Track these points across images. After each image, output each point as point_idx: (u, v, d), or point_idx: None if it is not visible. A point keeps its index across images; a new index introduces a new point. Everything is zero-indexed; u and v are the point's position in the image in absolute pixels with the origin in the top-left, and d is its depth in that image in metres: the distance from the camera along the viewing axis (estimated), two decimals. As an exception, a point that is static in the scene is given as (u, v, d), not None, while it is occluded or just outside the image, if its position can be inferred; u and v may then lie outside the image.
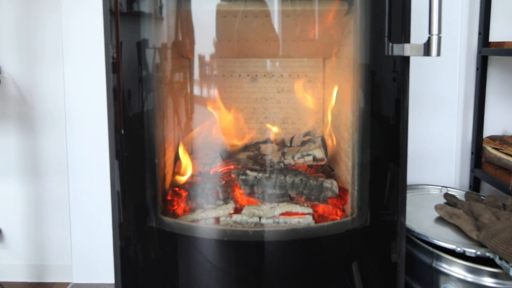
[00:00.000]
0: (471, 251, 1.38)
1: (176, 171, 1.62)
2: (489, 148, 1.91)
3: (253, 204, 1.46)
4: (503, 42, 1.84)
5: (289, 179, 1.48)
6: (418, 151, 2.01)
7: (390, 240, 1.35)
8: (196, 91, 1.75)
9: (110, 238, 1.36)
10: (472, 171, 1.99)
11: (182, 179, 1.59)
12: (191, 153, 1.74)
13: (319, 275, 1.35)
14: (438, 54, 1.08)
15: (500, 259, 1.33)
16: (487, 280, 1.35)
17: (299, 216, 1.41)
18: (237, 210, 1.43)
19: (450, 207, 1.61)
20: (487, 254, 1.36)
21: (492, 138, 1.93)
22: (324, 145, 1.64)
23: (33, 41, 1.98)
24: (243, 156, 1.66)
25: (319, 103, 1.84)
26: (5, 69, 1.98)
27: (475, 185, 1.98)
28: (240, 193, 1.49)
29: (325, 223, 1.40)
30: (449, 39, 1.97)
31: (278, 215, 1.41)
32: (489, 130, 2.00)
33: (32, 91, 2.00)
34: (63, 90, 1.95)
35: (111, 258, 1.37)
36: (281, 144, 1.74)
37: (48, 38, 1.97)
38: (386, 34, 1.26)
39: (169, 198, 1.50)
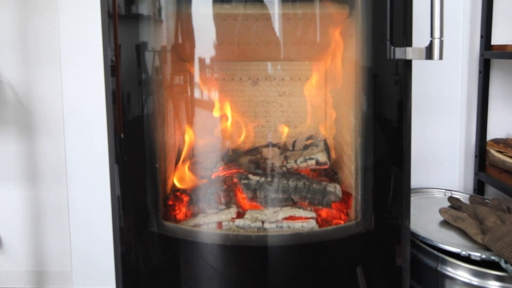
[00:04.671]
0: (476, 254, 1.37)
1: (177, 175, 1.61)
2: (493, 151, 1.90)
3: (255, 209, 1.45)
4: (506, 45, 1.84)
5: (292, 183, 1.47)
6: (421, 155, 2.00)
7: (395, 244, 1.34)
8: (197, 94, 1.74)
9: (111, 244, 1.35)
10: (476, 174, 1.98)
11: (183, 183, 1.59)
12: (192, 157, 1.73)
13: (323, 280, 1.34)
14: (440, 57, 1.07)
15: (505, 262, 1.32)
16: (493, 284, 1.34)
17: (303, 221, 1.40)
18: (240, 215, 1.42)
19: (454, 210, 1.60)
20: (492, 257, 1.35)
21: (496, 141, 1.93)
22: (327, 148, 1.63)
23: (30, 45, 1.97)
24: (245, 160, 1.65)
25: (321, 106, 1.83)
26: (2, 73, 1.97)
27: (479, 188, 1.97)
28: (242, 197, 1.48)
29: (329, 228, 1.39)
30: (452, 43, 1.96)
31: (281, 219, 1.40)
32: (492, 133, 1.99)
33: (29, 95, 2.00)
34: (61, 94, 1.94)
35: (112, 263, 1.36)
36: (283, 148, 1.73)
37: (45, 41, 1.97)
38: (388, 38, 1.25)
39: (170, 202, 1.49)
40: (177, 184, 1.59)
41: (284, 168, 1.59)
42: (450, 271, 1.41)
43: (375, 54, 1.29)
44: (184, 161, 1.65)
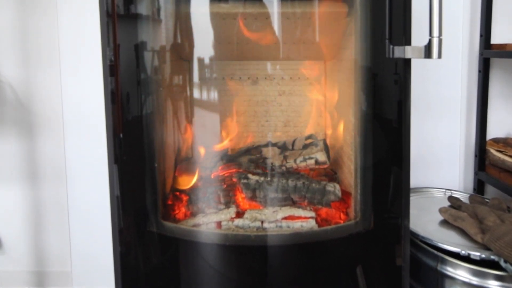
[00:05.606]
0: (475, 254, 1.37)
1: (177, 175, 1.61)
2: (492, 151, 1.89)
3: (255, 208, 1.45)
4: (505, 44, 1.83)
5: (291, 182, 1.47)
6: (421, 154, 2.00)
7: (395, 243, 1.34)
8: (196, 94, 1.74)
9: (110, 244, 1.35)
10: (476, 173, 1.97)
11: (182, 183, 1.58)
12: (191, 157, 1.72)
13: (323, 279, 1.34)
14: (439, 56, 1.08)
15: (505, 262, 1.32)
16: (492, 283, 1.34)
17: (302, 220, 1.39)
18: (239, 215, 1.42)
19: (454, 210, 1.60)
20: (492, 257, 1.35)
21: (496, 141, 1.93)
22: (326, 148, 1.63)
23: (29, 44, 1.97)
24: (244, 159, 1.65)
25: (321, 106, 1.83)
26: (1, 73, 1.97)
27: (479, 187, 1.97)
28: (242, 197, 1.48)
29: (328, 227, 1.39)
30: (451, 41, 1.96)
31: (280, 219, 1.40)
32: (492, 132, 1.99)
33: (29, 95, 1.99)
34: (60, 94, 1.94)
35: (111, 263, 1.35)
36: (283, 148, 1.73)
37: (44, 41, 1.96)
38: (387, 36, 1.25)
39: (169, 202, 1.49)
40: (177, 184, 1.59)
41: (284, 168, 1.59)
42: (450, 270, 1.41)
43: (374, 53, 1.29)
44: (183, 160, 1.65)
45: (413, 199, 1.81)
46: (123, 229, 1.35)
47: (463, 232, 1.50)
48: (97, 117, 1.92)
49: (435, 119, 2.00)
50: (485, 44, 1.91)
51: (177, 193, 1.53)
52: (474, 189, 2.00)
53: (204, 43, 1.58)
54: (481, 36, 1.93)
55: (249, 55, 1.76)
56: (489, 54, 1.89)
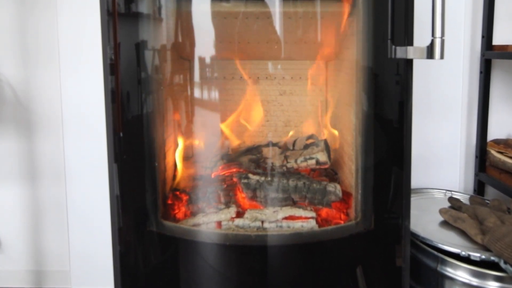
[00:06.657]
0: (476, 255, 1.37)
1: (177, 174, 1.61)
2: (493, 152, 1.89)
3: (255, 208, 1.45)
4: (507, 46, 1.83)
5: (292, 182, 1.46)
6: (422, 155, 2.00)
7: (395, 244, 1.34)
8: (197, 93, 1.73)
9: (109, 243, 1.34)
10: (476, 174, 1.97)
11: (183, 182, 1.58)
12: (192, 156, 1.72)
13: (323, 279, 1.33)
14: (442, 57, 1.07)
15: (505, 263, 1.32)
16: (492, 284, 1.34)
17: (302, 220, 1.39)
18: (239, 214, 1.42)
19: (454, 211, 1.60)
20: (492, 258, 1.35)
21: (496, 142, 1.93)
22: (327, 148, 1.62)
23: (29, 43, 1.96)
24: (245, 159, 1.65)
25: (322, 106, 1.82)
26: (0, 72, 1.96)
27: (479, 188, 1.97)
28: (242, 197, 1.47)
29: (329, 227, 1.39)
30: (453, 42, 1.96)
31: (281, 219, 1.39)
32: (493, 133, 1.99)
33: (28, 93, 1.99)
34: (59, 92, 1.93)
35: (110, 263, 1.35)
36: (284, 147, 1.73)
37: (44, 39, 1.96)
38: (389, 37, 1.25)
39: (169, 202, 1.48)
40: (177, 183, 1.58)
41: (284, 168, 1.59)
42: (450, 271, 1.41)
43: (376, 53, 1.29)
44: (183, 160, 1.65)
45: (414, 200, 1.81)
46: (122, 228, 1.34)
47: (463, 233, 1.50)
48: (97, 117, 1.91)
49: (436, 120, 1.99)
50: (487, 45, 1.91)
51: (177, 193, 1.52)
52: (475, 190, 2.00)
53: (205, 42, 1.58)
54: (482, 37, 1.92)
55: (250, 55, 1.75)
56: (490, 55, 1.89)
